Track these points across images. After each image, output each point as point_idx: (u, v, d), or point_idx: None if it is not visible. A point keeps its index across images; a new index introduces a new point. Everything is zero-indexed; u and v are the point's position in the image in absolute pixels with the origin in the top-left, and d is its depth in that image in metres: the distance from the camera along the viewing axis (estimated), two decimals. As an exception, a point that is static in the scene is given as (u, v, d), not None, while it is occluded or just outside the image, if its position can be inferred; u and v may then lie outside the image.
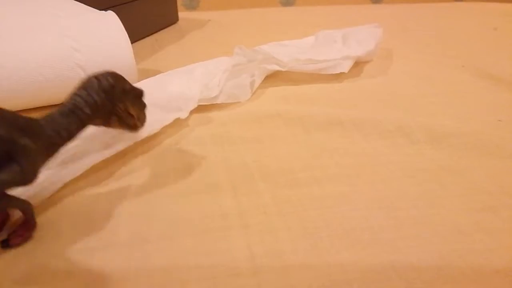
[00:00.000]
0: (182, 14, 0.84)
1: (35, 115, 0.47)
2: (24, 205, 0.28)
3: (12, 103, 0.46)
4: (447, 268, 0.27)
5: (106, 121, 0.33)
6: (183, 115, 0.43)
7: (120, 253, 0.29)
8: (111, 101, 0.32)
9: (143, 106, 0.36)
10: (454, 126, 0.43)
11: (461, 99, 0.49)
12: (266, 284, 0.26)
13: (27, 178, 0.26)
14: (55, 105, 0.48)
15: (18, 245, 0.28)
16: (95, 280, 0.27)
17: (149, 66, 0.61)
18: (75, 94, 0.30)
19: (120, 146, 0.38)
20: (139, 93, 0.35)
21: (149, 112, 0.38)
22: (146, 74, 0.54)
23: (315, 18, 0.84)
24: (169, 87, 0.45)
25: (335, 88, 0.52)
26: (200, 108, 0.46)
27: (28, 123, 0.27)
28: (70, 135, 0.29)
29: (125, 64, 0.49)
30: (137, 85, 0.47)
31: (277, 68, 0.50)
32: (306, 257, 0.28)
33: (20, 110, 0.47)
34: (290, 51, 0.53)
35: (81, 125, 0.30)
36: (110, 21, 0.50)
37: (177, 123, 0.43)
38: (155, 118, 0.40)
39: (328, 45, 0.58)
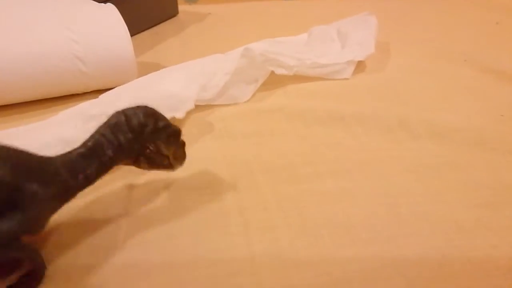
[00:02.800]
0: (182, 7, 0.83)
1: (34, 108, 0.47)
2: (32, 255, 0.24)
3: (10, 96, 0.46)
4: (448, 265, 0.27)
5: (133, 162, 0.29)
6: (179, 115, 0.41)
7: (119, 251, 0.28)
8: (140, 142, 0.27)
9: (181, 144, 0.31)
10: (456, 121, 0.42)
11: (463, 94, 0.49)
12: (266, 282, 0.26)
13: (32, 228, 0.23)
14: (54, 98, 0.48)
15: None
16: (94, 277, 0.26)
17: (149, 59, 0.60)
18: (99, 133, 0.26)
19: None
20: (174, 132, 0.30)
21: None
22: (145, 67, 0.53)
23: (315, 12, 0.83)
24: (165, 85, 0.43)
25: (336, 83, 0.52)
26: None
27: (40, 164, 0.23)
28: (88, 180, 0.25)
29: (125, 57, 0.48)
30: (133, 83, 0.47)
31: (284, 72, 0.50)
32: (306, 254, 0.28)
33: (19, 103, 0.47)
34: (293, 51, 0.52)
35: (103, 169, 0.26)
36: (110, 13, 0.50)
37: (177, 119, 0.43)
38: None
39: (326, 43, 0.58)
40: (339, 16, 0.65)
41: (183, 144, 0.31)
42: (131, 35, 0.49)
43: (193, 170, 0.36)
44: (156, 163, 0.30)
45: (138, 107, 0.27)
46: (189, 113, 0.43)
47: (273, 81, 0.50)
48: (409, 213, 0.31)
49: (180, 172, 0.36)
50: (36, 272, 0.25)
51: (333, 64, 0.52)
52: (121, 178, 0.35)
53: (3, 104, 0.46)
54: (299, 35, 0.63)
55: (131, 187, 0.34)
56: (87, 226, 0.30)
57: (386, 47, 0.62)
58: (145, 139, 0.28)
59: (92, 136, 0.26)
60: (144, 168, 0.30)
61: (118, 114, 0.27)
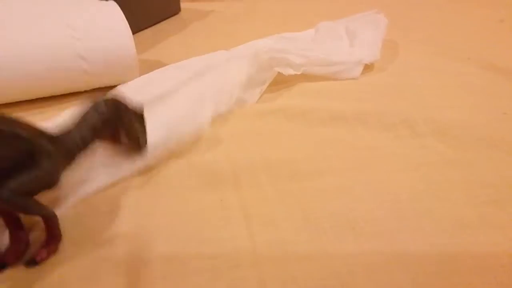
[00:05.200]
0: (184, 4, 0.83)
1: (37, 106, 0.47)
2: (50, 214, 0.28)
3: (13, 94, 0.46)
4: (450, 261, 0.27)
5: (115, 135, 0.33)
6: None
7: (122, 243, 0.29)
8: (117, 114, 0.32)
9: (143, 125, 0.35)
10: (459, 118, 0.42)
11: (466, 92, 0.48)
12: (267, 275, 0.26)
13: (49, 179, 0.27)
14: (57, 95, 0.48)
15: (45, 260, 0.27)
16: (99, 266, 0.27)
17: (151, 57, 0.60)
18: (84, 110, 0.31)
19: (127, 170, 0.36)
20: (141, 111, 0.35)
21: (158, 135, 0.37)
22: (147, 65, 0.53)
23: (318, 8, 0.83)
24: (179, 109, 0.42)
25: (338, 82, 0.51)
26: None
27: (44, 131, 0.28)
28: (85, 143, 0.30)
29: (126, 55, 0.48)
30: (141, 79, 0.46)
31: (291, 72, 0.49)
32: (308, 248, 0.28)
33: (22, 101, 0.47)
34: (300, 48, 0.51)
35: (94, 134, 0.30)
36: (111, 11, 0.50)
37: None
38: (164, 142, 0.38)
39: (334, 41, 0.57)
40: (343, 13, 0.65)
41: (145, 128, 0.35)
42: (133, 33, 0.49)
43: (195, 167, 0.36)
44: (132, 135, 0.34)
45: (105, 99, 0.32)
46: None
47: (278, 82, 0.50)
48: (412, 209, 0.31)
49: (183, 169, 0.36)
50: (53, 235, 0.28)
51: (342, 63, 0.52)
52: (128, 176, 0.35)
53: (6, 102, 0.46)
54: (305, 31, 0.62)
55: (133, 181, 0.34)
56: (91, 217, 0.31)
57: (390, 45, 0.61)
58: (121, 114, 0.32)
59: (79, 115, 0.31)
60: (122, 139, 0.34)
61: (94, 100, 0.32)
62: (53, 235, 0.28)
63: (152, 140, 0.36)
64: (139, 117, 0.35)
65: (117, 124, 0.33)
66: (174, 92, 0.44)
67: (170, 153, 0.38)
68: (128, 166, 0.36)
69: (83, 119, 0.31)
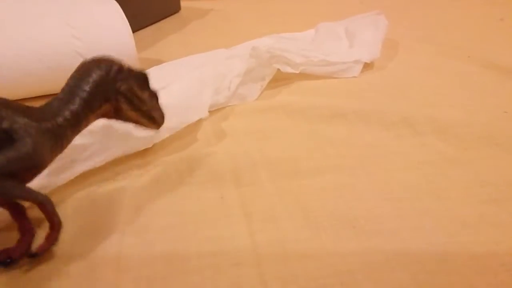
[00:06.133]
0: (184, 3, 0.83)
1: (35, 104, 0.47)
2: (42, 198, 0.25)
3: (12, 92, 0.46)
4: (451, 260, 0.27)
5: (115, 106, 0.30)
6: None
7: (122, 241, 0.28)
8: (111, 79, 0.29)
9: (154, 94, 0.32)
10: (459, 117, 0.42)
11: (466, 90, 0.48)
12: (268, 274, 0.26)
13: (33, 156, 0.24)
14: (56, 94, 0.48)
15: (45, 249, 0.26)
16: (97, 267, 0.27)
17: (151, 56, 0.60)
18: (71, 79, 0.29)
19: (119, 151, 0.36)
20: (141, 73, 0.31)
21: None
22: (147, 63, 0.53)
23: (318, 8, 0.83)
24: (179, 94, 0.41)
25: (340, 80, 0.51)
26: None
27: (27, 108, 0.26)
28: (75, 117, 0.27)
29: (126, 53, 0.48)
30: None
31: (290, 70, 0.49)
32: (308, 246, 0.28)
33: (21, 99, 0.47)
34: (300, 48, 0.51)
35: (84, 105, 0.28)
36: (111, 9, 0.50)
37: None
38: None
39: (333, 41, 0.57)
40: (344, 13, 0.65)
41: (156, 95, 0.33)
42: (133, 31, 0.49)
43: (195, 165, 0.36)
44: (135, 105, 0.31)
45: (95, 59, 0.30)
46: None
47: (277, 79, 0.50)
48: (412, 208, 0.31)
49: (183, 167, 0.36)
50: (51, 221, 0.26)
51: (341, 63, 0.52)
52: (124, 172, 0.35)
53: (5, 100, 0.46)
54: (305, 31, 0.62)
55: (134, 180, 0.34)
56: (90, 215, 0.31)
57: (388, 43, 0.61)
58: (115, 77, 0.29)
59: (66, 84, 0.29)
60: (126, 112, 0.31)
61: (83, 63, 0.30)
62: (51, 222, 0.26)
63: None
64: (141, 80, 0.31)
65: (113, 90, 0.29)
66: (173, 81, 0.43)
67: (169, 147, 0.38)
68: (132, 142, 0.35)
69: (71, 91, 0.28)
